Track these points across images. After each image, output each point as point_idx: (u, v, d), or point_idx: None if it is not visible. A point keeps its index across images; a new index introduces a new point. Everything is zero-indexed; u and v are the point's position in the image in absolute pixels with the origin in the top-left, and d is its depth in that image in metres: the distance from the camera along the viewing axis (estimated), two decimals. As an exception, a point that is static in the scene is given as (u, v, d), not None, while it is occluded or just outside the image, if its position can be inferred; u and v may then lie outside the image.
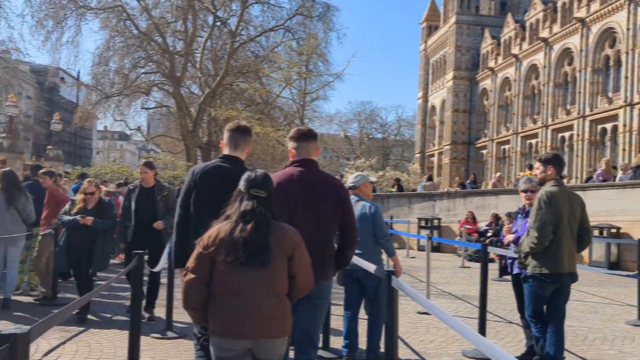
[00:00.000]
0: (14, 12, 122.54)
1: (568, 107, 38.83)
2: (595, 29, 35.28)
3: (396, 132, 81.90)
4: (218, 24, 36.67)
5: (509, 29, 46.79)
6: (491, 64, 49.38)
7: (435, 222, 19.73)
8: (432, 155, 59.82)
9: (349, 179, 5.62)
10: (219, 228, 2.90)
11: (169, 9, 34.78)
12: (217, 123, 40.43)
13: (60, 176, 13.24)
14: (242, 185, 2.99)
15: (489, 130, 50.36)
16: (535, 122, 42.65)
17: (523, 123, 44.23)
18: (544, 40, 40.58)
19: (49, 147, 28.23)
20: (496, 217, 16.23)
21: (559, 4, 39.60)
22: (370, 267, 4.76)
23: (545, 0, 42.95)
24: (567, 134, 38.63)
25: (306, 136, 3.74)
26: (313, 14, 34.92)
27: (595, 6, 35.29)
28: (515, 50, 45.28)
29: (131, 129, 42.62)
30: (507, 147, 47.00)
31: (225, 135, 3.84)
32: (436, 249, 17.47)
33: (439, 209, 20.65)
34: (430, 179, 25.94)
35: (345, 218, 3.65)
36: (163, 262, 6.27)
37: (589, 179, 19.26)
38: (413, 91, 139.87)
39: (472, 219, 17.55)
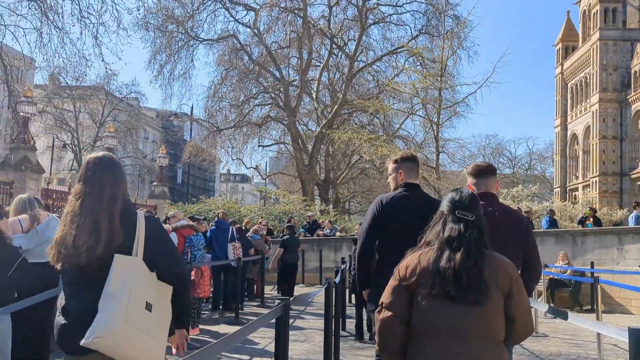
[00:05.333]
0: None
1: None
2: None
3: (527, 167, 75.09)
4: (335, 50, 34.06)
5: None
6: (647, 82, 42.63)
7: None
8: (576, 189, 52.82)
9: None
10: (418, 256, 2.39)
11: (282, 37, 32.74)
12: (334, 159, 37.57)
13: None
14: (445, 206, 2.47)
15: (647, 158, 43.25)
16: None
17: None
18: None
19: (155, 183, 26.12)
20: None
21: None
22: None
23: None
24: None
25: (484, 172, 3.79)
26: (441, 32, 31.05)
27: None
28: (679, 63, 38.51)
29: (248, 167, 41.10)
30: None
31: (393, 167, 3.97)
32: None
33: (673, 253, 13.70)
34: None
35: (528, 247, 3.60)
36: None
37: None
38: (545, 121, 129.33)
39: None
